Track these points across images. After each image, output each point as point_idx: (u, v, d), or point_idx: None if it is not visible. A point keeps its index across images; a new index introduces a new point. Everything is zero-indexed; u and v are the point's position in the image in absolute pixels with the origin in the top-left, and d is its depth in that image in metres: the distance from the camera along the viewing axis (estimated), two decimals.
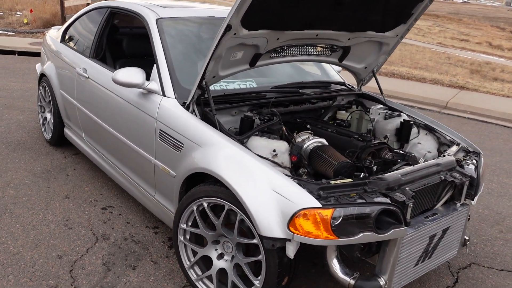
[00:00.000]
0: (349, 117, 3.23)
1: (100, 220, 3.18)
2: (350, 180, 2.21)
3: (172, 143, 2.62)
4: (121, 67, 3.73)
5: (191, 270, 2.49)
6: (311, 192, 2.07)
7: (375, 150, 2.60)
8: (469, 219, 2.86)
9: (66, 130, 4.18)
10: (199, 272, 2.48)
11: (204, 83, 2.53)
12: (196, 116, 2.59)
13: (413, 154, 2.82)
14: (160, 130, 2.71)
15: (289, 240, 2.06)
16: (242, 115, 2.61)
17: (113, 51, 3.92)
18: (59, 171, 3.90)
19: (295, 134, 2.71)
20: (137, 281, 2.59)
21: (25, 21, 12.26)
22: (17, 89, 6.40)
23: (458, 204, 2.56)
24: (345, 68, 3.39)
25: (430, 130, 3.12)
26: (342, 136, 2.77)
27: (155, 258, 2.82)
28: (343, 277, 2.23)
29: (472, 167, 2.67)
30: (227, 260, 2.39)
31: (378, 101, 3.43)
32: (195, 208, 2.38)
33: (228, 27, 2.28)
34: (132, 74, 2.80)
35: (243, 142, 2.43)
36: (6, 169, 3.85)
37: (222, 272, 2.41)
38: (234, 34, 2.35)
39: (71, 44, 4.08)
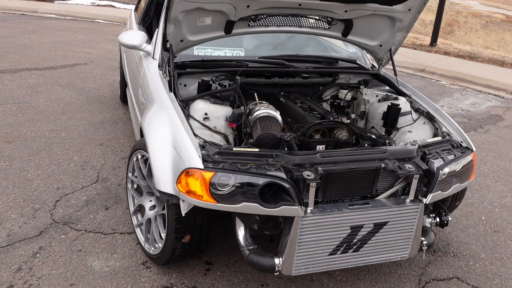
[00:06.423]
0: (346, 96, 3.01)
1: (111, 167, 3.59)
2: (256, 149, 2.15)
3: (142, 100, 2.83)
4: None
5: (134, 217, 2.70)
6: (207, 155, 2.08)
7: (325, 129, 2.42)
8: (446, 224, 2.48)
9: (126, 89, 4.72)
10: (140, 219, 2.68)
11: (168, 45, 2.66)
12: (166, 77, 2.74)
13: (387, 141, 2.55)
14: (140, 87, 2.95)
15: (179, 197, 2.11)
16: (200, 79, 2.69)
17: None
18: (111, 124, 4.46)
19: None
20: (100, 219, 2.91)
21: None
22: None
23: (407, 200, 2.25)
24: (356, 44, 3.15)
25: (430, 119, 2.75)
26: (304, 112, 2.64)
27: None
28: (242, 246, 2.20)
29: (439, 161, 2.30)
30: (156, 211, 2.55)
31: (389, 83, 3.12)
32: (134, 159, 2.57)
33: None
34: (133, 36, 3.08)
35: (187, 104, 2.52)
36: (73, 117, 4.54)
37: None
38: None
39: (136, 13, 4.56)
